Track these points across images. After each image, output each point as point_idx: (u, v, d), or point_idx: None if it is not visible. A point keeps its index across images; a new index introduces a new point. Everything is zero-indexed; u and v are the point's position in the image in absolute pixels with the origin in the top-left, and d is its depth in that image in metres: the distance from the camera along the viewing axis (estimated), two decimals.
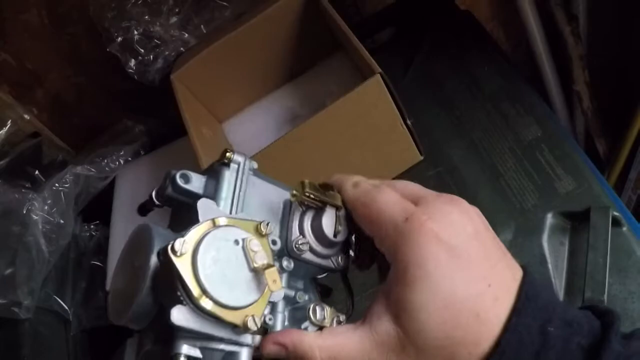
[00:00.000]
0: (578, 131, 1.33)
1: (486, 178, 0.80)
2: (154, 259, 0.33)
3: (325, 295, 0.44)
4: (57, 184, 0.80)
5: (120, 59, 0.89)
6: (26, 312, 0.85)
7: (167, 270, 0.32)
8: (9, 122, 0.93)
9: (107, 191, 0.95)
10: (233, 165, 0.39)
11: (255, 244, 0.34)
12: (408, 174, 0.83)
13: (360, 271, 0.45)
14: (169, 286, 0.32)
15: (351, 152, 0.76)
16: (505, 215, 0.75)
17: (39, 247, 0.78)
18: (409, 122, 0.77)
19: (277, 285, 0.34)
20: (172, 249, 0.31)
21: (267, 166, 0.72)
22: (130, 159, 0.93)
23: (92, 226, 0.96)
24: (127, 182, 0.96)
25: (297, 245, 0.38)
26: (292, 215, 0.39)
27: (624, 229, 0.70)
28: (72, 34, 0.96)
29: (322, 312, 0.38)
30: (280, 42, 0.89)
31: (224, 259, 0.33)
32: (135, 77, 0.89)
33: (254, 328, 0.33)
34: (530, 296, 0.33)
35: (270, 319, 0.37)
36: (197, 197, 0.37)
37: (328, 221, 0.39)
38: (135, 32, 0.86)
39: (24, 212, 0.76)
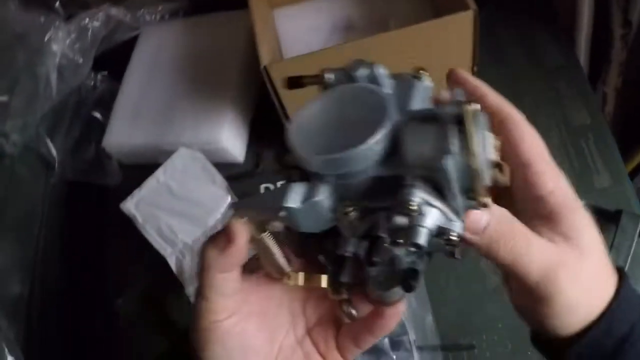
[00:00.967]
0: None
1: None
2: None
3: None
4: (87, 19, 0.71)
5: None
6: (12, 147, 0.78)
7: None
8: None
9: (126, 44, 0.87)
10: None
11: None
12: None
13: None
14: (438, 136, 0.30)
15: None
16: None
17: (49, 81, 0.70)
18: (475, 68, 0.73)
19: None
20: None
21: (309, 71, 0.68)
22: (167, 17, 0.84)
23: (98, 76, 0.89)
24: (152, 41, 0.88)
25: None
26: None
27: None
28: None
29: None
30: None
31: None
32: None
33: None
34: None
35: None
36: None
37: None
38: None
39: (45, 39, 0.67)
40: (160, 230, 0.76)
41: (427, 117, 0.31)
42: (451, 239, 0.31)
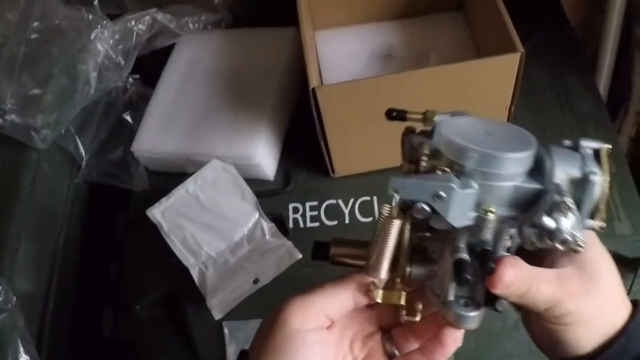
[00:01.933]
0: None
1: None
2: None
3: None
4: (133, 21, 0.71)
5: None
6: (42, 142, 0.77)
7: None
8: None
9: (163, 50, 0.87)
10: None
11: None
12: None
13: None
14: (582, 163, 0.37)
15: None
16: None
17: (88, 80, 0.70)
18: (512, 108, 0.74)
19: None
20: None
21: (353, 96, 0.69)
22: (210, 27, 0.84)
23: (130, 79, 0.88)
24: (189, 50, 0.88)
25: None
26: None
27: None
28: None
29: None
30: None
31: None
32: None
33: None
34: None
35: None
36: None
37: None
38: None
39: (91, 37, 0.67)
40: (185, 240, 0.76)
41: (566, 149, 0.38)
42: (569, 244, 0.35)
